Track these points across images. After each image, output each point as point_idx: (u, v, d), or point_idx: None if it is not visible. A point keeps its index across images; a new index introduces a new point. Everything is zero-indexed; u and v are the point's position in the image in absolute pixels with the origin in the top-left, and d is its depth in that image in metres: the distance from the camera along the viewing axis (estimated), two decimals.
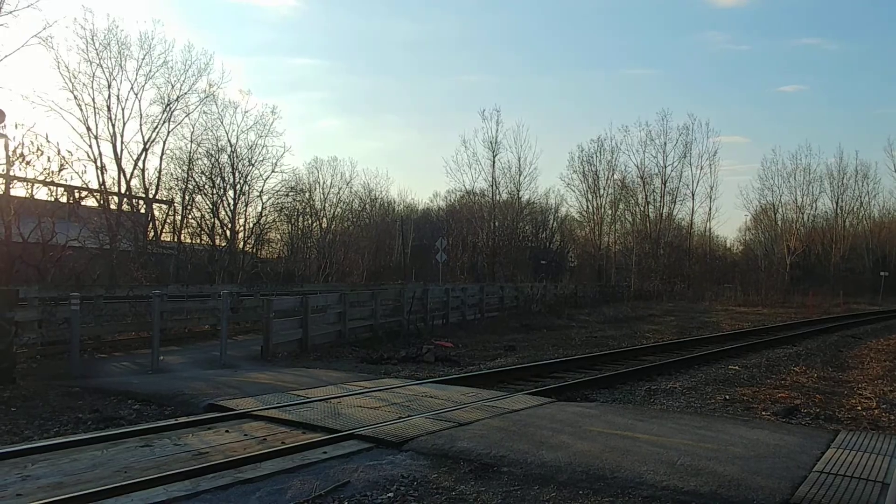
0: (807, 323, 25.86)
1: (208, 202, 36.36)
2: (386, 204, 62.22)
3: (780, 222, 63.36)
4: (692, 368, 12.76)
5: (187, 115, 35.38)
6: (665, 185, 57.05)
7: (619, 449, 5.89)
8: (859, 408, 9.21)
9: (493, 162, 52.29)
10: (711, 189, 58.55)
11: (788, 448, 6.08)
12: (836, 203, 63.42)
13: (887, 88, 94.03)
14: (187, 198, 35.71)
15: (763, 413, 8.71)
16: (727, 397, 9.78)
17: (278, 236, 44.54)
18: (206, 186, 36.07)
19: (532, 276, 47.01)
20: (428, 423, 6.81)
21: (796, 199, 62.29)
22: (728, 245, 69.83)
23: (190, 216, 36.18)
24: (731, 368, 12.81)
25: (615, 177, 58.77)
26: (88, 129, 31.30)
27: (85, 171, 27.66)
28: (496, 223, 52.85)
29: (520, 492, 4.92)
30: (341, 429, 6.46)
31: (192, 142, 35.63)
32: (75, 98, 30.77)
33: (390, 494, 4.83)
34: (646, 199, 57.60)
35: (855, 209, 64.73)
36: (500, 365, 12.78)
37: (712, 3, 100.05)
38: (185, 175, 35.33)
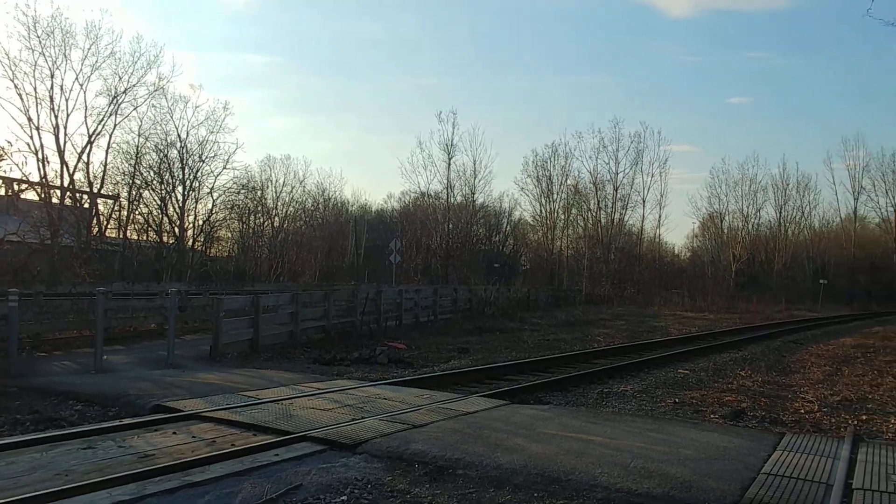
0: (751, 328, 26.66)
1: (156, 198, 35.51)
2: (339, 204, 61.86)
3: (726, 230, 65.33)
4: (643, 372, 12.99)
5: (135, 108, 34.51)
6: (617, 191, 58.22)
7: (573, 451, 5.93)
8: (802, 411, 9.52)
9: (449, 164, 52.49)
10: (661, 196, 60.07)
11: (737, 450, 6.22)
12: (779, 213, 65.80)
13: (828, 103, 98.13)
14: (134, 193, 34.80)
15: (712, 416, 8.92)
16: (677, 400, 9.98)
17: (229, 234, 43.81)
18: (154, 182, 35.23)
19: (485, 279, 47.27)
20: (382, 425, 6.73)
21: (742, 209, 64.48)
22: (676, 251, 71.71)
23: (137, 212, 35.29)
24: (680, 372, 13.09)
25: (568, 182, 59.70)
26: (29, 119, 30.23)
27: (25, 163, 26.71)
28: (450, 225, 53.01)
29: (475, 494, 4.90)
30: (293, 430, 6.33)
31: (139, 136, 34.76)
32: (15, 87, 29.77)
33: (344, 497, 4.74)
34: (598, 204, 58.63)
35: (797, 219, 67.29)
36: (454, 367, 12.78)
37: (666, 14, 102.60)
38: (132, 170, 34.42)
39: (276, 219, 50.05)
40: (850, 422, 8.77)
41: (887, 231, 67.16)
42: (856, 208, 67.70)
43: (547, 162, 59.83)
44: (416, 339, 17.50)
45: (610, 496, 4.87)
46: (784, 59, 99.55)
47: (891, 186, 65.51)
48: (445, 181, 52.67)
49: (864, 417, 9.18)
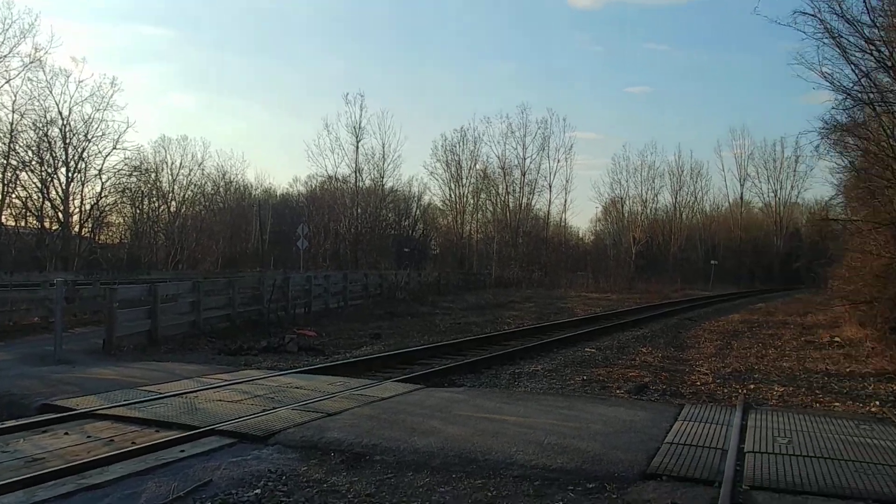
0: (650, 307, 28.02)
1: (36, 180, 33.11)
2: (242, 188, 59.87)
3: (626, 214, 68.51)
4: (552, 352, 13.38)
5: (7, 81, 31.88)
6: (524, 176, 59.51)
7: (488, 431, 6.03)
8: (699, 383, 10.11)
9: (357, 147, 51.88)
10: (567, 182, 62.03)
11: (642, 423, 6.53)
12: (675, 198, 69.88)
13: (719, 95, 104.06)
14: (9, 175, 32.22)
15: (617, 391, 9.31)
16: (585, 378, 10.35)
17: (121, 220, 41.52)
18: (34, 162, 32.77)
19: (395, 264, 47.26)
20: (295, 414, 6.60)
21: (641, 194, 67.89)
22: (581, 235, 74.30)
23: (13, 195, 32.70)
24: (587, 350, 13.59)
25: (477, 167, 60.48)
26: None
27: None
28: (359, 210, 52.50)
29: (394, 479, 4.89)
30: (200, 425, 6.09)
31: (14, 112, 32.12)
32: None
33: (257, 491, 4.61)
34: (506, 189, 59.73)
35: (690, 204, 71.74)
36: (367, 353, 12.71)
37: (572, 3, 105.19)
38: (7, 149, 31.81)
39: (173, 203, 47.86)
40: (740, 391, 9.39)
41: (769, 215, 72.75)
42: (742, 194, 73.03)
43: (456, 146, 60.41)
44: (327, 326, 17.27)
45: (526, 473, 4.99)
46: (679, 52, 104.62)
47: (772, 174, 71.31)
48: (354, 165, 52.07)
49: (752, 387, 9.86)
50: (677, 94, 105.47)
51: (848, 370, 11.55)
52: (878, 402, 8.76)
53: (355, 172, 52.10)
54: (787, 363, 12.47)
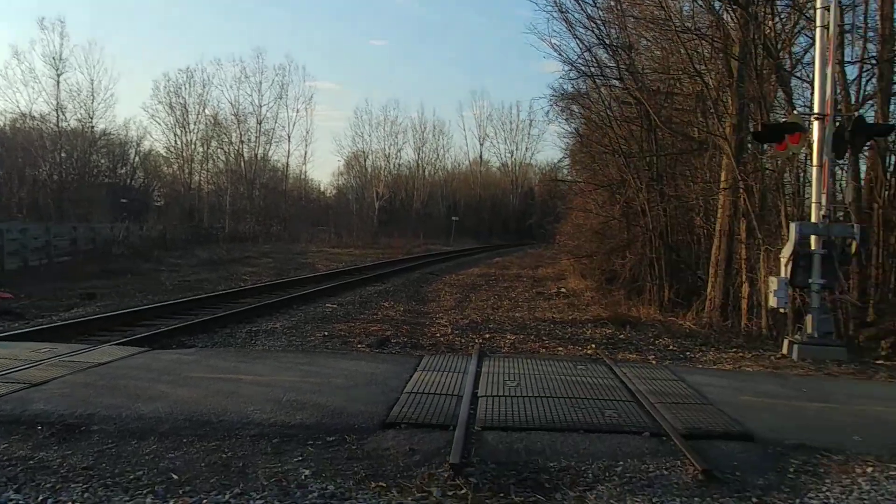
0: (393, 262, 29.33)
1: None
2: None
3: (369, 169, 70.30)
4: (291, 308, 13.45)
5: None
6: (260, 125, 57.68)
7: (223, 392, 5.96)
8: (438, 335, 10.97)
9: (58, 82, 45.75)
10: (307, 133, 62.08)
11: (383, 375, 6.93)
12: (418, 154, 73.48)
13: (460, 56, 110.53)
14: None
15: (359, 346, 9.74)
16: (326, 334, 10.62)
17: None
18: None
19: (112, 216, 42.93)
20: None
21: (384, 149, 70.05)
22: (322, 189, 74.53)
23: None
24: (328, 307, 13.90)
25: (207, 112, 57.00)
26: None
27: None
28: (63, 154, 46.61)
29: (115, 449, 4.63)
30: None
31: None
32: None
33: None
34: (240, 138, 57.31)
35: (433, 161, 76.16)
36: (79, 315, 11.67)
37: None
38: None
39: None
40: (476, 341, 10.41)
41: (506, 174, 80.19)
42: (481, 153, 79.39)
43: (181, 88, 56.30)
44: (27, 287, 15.39)
45: (264, 431, 5.04)
46: (424, 8, 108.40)
47: (509, 135, 78.61)
48: (55, 102, 45.85)
49: (487, 336, 10.98)
50: (421, 52, 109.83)
51: (571, 318, 13.42)
52: (593, 345, 10.36)
53: (57, 111, 45.97)
54: (519, 313, 14.04)
